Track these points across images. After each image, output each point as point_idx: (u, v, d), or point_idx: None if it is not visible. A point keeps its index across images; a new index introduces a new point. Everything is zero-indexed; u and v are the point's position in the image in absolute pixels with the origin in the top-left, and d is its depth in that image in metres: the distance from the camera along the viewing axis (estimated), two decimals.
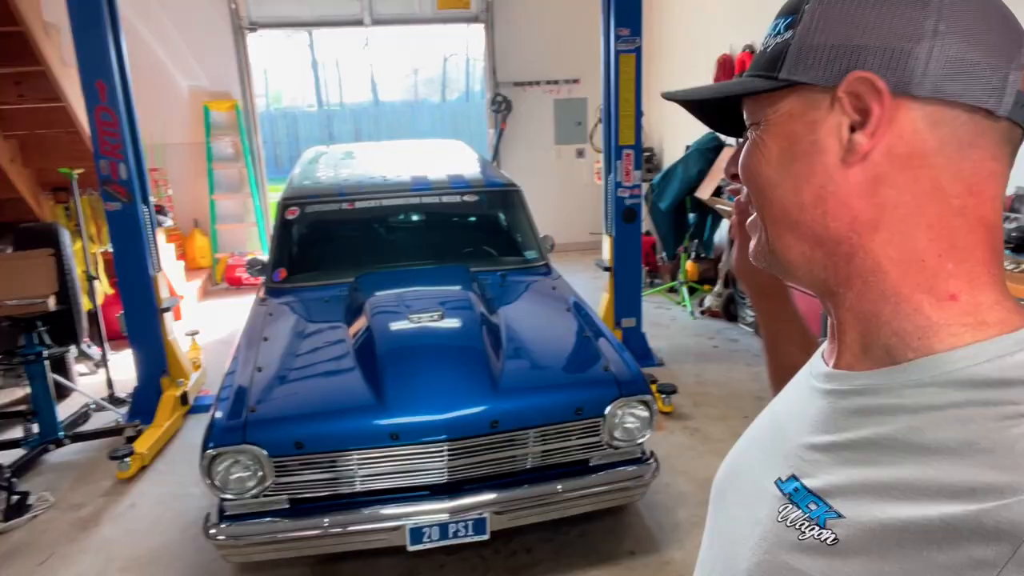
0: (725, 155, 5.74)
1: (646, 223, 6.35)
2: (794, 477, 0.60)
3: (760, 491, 0.63)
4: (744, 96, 0.64)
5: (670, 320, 5.92)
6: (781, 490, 0.60)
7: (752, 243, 0.67)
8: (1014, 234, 3.45)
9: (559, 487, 2.75)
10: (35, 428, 3.86)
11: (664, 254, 6.62)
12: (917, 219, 0.56)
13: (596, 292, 5.33)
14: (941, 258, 0.56)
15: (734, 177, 0.69)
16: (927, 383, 0.53)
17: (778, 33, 0.61)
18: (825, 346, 0.69)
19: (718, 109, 0.70)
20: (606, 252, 4.96)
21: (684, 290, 6.20)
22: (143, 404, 4.29)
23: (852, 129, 0.56)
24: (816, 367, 0.67)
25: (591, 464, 2.83)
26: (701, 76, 6.57)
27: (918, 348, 0.56)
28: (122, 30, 4.11)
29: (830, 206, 0.58)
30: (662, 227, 6.26)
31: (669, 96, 0.70)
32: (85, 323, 4.65)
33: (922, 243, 0.56)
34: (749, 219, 0.69)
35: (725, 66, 6.16)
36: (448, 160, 4.69)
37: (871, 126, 0.55)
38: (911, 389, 0.54)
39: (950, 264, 0.56)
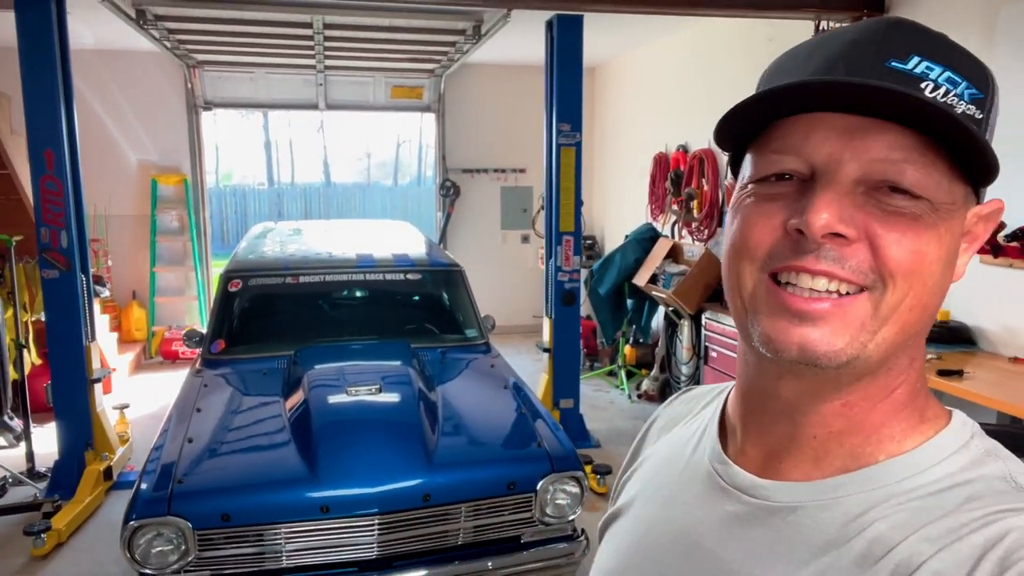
0: (661, 246, 6.01)
1: (587, 308, 6.54)
2: None
3: None
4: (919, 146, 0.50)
5: (608, 403, 6.02)
6: None
7: (806, 330, 0.52)
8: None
9: (490, 564, 2.75)
10: None
11: (604, 338, 6.78)
12: (929, 326, 0.56)
13: (537, 374, 5.42)
14: (923, 359, 0.58)
15: (835, 238, 0.51)
16: (895, 486, 0.53)
17: (962, 97, 0.50)
18: (712, 447, 0.64)
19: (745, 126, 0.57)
20: (546, 334, 5.08)
21: (622, 374, 6.35)
22: (64, 478, 4.13)
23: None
24: (734, 476, 0.60)
25: (522, 541, 2.84)
26: (639, 171, 6.94)
27: (891, 450, 0.55)
28: (75, 102, 4.18)
29: (932, 319, 0.56)
30: (601, 312, 6.45)
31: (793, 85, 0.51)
32: (10, 393, 4.50)
33: (922, 351, 0.57)
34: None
35: (661, 163, 6.53)
36: (394, 239, 4.81)
37: (974, 249, 0.55)
38: (880, 494, 0.53)
39: (920, 365, 0.58)
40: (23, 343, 4.78)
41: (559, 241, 4.85)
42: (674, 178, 6.12)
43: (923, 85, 0.49)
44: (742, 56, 5.38)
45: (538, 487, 2.78)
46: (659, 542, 0.63)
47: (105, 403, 4.50)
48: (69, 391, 4.21)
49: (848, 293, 0.52)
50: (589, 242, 7.98)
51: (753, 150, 0.57)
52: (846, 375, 0.54)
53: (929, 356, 3.38)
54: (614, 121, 7.95)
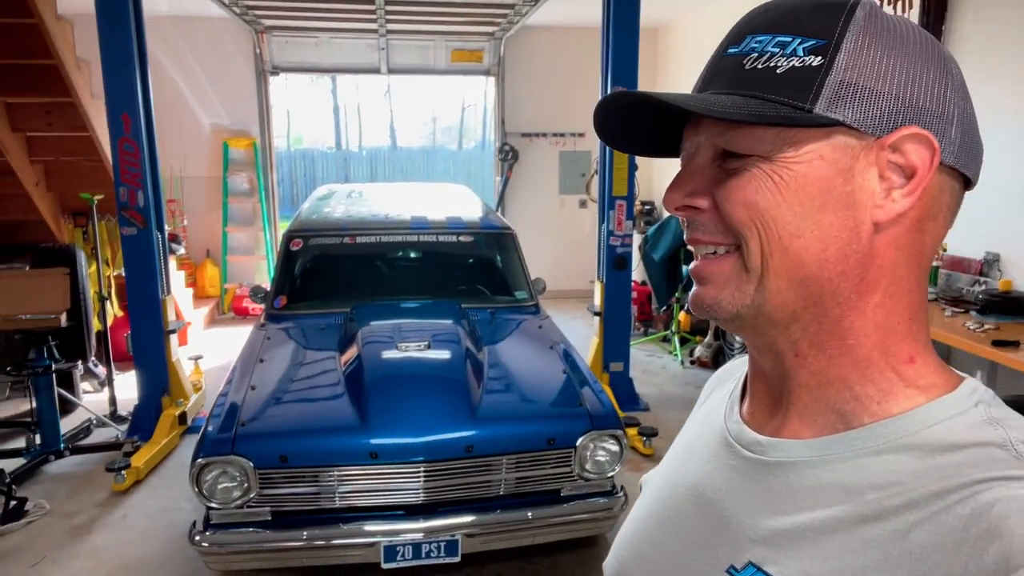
0: None
1: (642, 273, 6.54)
2: (753, 565, 0.55)
3: None
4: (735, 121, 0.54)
5: (660, 368, 6.05)
6: None
7: (700, 290, 0.60)
8: (981, 296, 3.60)
9: (530, 514, 2.87)
10: (37, 439, 4.02)
11: (657, 304, 6.78)
12: (905, 282, 0.56)
13: (590, 338, 5.48)
14: (910, 321, 0.56)
15: (689, 210, 0.59)
16: (884, 450, 0.53)
17: (793, 53, 0.53)
18: (731, 408, 0.67)
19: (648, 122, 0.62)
20: (597, 298, 5.13)
21: (676, 340, 6.35)
22: (143, 421, 4.45)
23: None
24: (740, 433, 0.63)
25: (562, 494, 2.95)
26: None
27: (875, 412, 0.55)
28: (149, 67, 4.40)
29: (850, 265, 0.54)
30: (655, 278, 6.44)
31: (612, 98, 0.59)
32: (94, 342, 4.85)
33: (901, 306, 0.56)
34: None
35: None
36: (450, 202, 4.92)
37: (914, 185, 0.53)
38: (869, 459, 0.53)
39: (914, 326, 0.57)
40: (105, 295, 5.12)
41: (611, 206, 4.86)
42: None
43: (745, 60, 0.55)
44: None
45: (578, 443, 2.87)
46: (676, 492, 0.67)
47: (180, 354, 4.80)
48: (147, 341, 4.51)
49: (724, 253, 0.57)
50: (648, 207, 7.93)
51: None
52: (761, 325, 0.57)
53: (986, 326, 3.29)
54: (679, 83, 7.81)
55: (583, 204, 8.40)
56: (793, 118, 0.52)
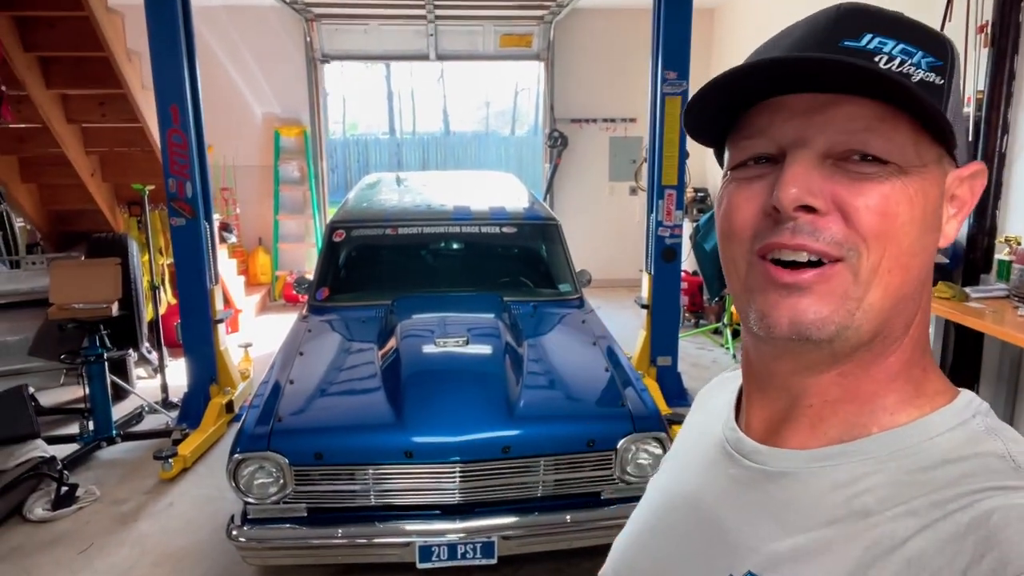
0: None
1: (693, 263, 6.35)
2: (752, 574, 0.55)
3: None
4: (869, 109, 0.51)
5: (711, 362, 5.87)
6: None
7: (802, 302, 0.53)
8: None
9: (568, 517, 2.78)
10: (90, 425, 4.12)
11: (709, 296, 6.58)
12: (929, 299, 0.59)
13: (638, 329, 5.35)
14: (927, 334, 0.59)
15: (806, 211, 0.52)
16: (887, 459, 0.53)
17: (918, 65, 0.52)
18: (729, 417, 0.66)
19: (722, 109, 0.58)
20: (645, 290, 4.99)
21: (728, 332, 6.15)
22: (192, 409, 4.52)
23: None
24: (740, 442, 0.62)
25: (603, 497, 2.86)
26: None
27: (885, 423, 0.55)
28: (199, 57, 4.43)
29: (926, 285, 0.57)
30: (706, 268, 6.25)
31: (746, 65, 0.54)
32: (146, 329, 4.95)
33: (926, 320, 0.58)
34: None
35: None
36: (494, 192, 4.83)
37: (964, 214, 0.57)
38: (871, 468, 0.53)
39: (925, 338, 0.59)
40: (157, 284, 5.22)
41: (661, 195, 4.71)
42: None
43: (877, 59, 0.51)
44: None
45: (619, 446, 2.77)
46: (673, 503, 0.67)
47: (230, 342, 4.86)
48: (195, 330, 4.58)
49: (827, 263, 0.53)
50: (701, 195, 7.68)
51: (729, 141, 0.60)
52: (840, 349, 0.54)
53: None
54: (727, 65, 7.52)
55: (633, 192, 8.21)
56: (948, 132, 0.51)
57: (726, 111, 0.58)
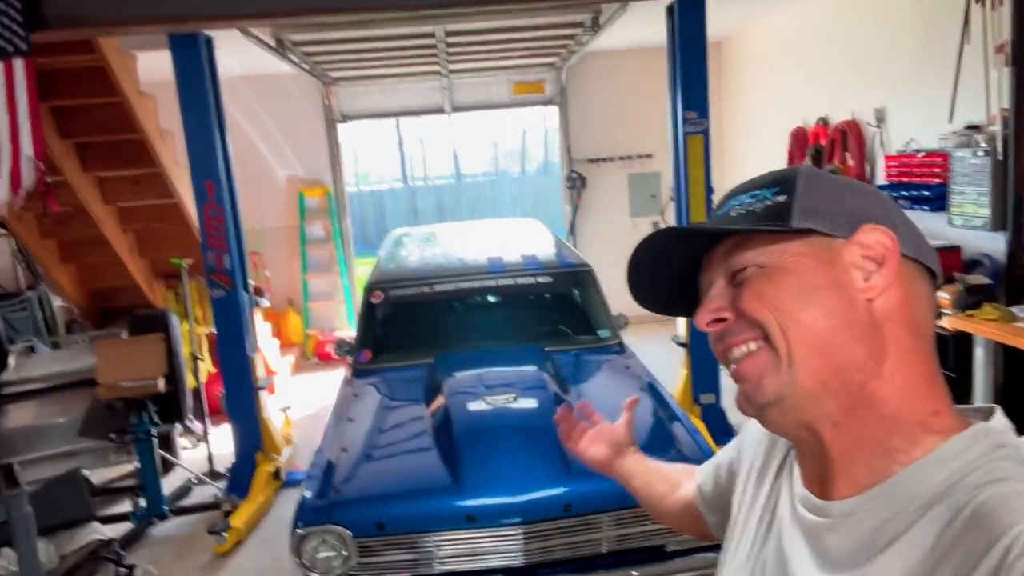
0: None
1: None
2: None
3: None
4: (727, 241, 0.73)
5: None
6: None
7: (743, 386, 0.72)
8: None
9: (635, 573, 2.74)
10: (142, 502, 4.14)
11: None
12: (914, 353, 0.68)
13: (672, 364, 5.32)
14: (931, 383, 0.68)
15: (717, 323, 0.72)
16: (914, 485, 0.63)
17: (765, 199, 0.72)
18: (794, 476, 0.77)
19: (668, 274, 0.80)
20: (682, 328, 4.97)
21: None
22: (239, 479, 4.54)
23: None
24: (806, 499, 0.73)
25: (667, 549, 2.82)
26: (772, 151, 6.60)
27: (903, 460, 0.65)
28: (228, 134, 4.55)
29: (857, 333, 0.66)
30: None
31: (660, 234, 0.75)
32: (190, 400, 5.00)
33: (916, 372, 0.67)
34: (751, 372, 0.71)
35: (798, 139, 6.18)
36: (523, 241, 4.87)
37: (887, 268, 0.67)
38: (902, 496, 0.64)
39: (935, 387, 0.68)
40: (198, 355, 5.28)
41: None
42: (814, 154, 5.77)
43: (731, 212, 0.74)
44: (885, 17, 4.97)
45: None
46: (762, 554, 0.78)
47: (270, 406, 4.90)
48: (239, 399, 4.62)
49: (756, 349, 0.69)
50: None
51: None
52: (805, 397, 0.67)
53: None
54: (745, 96, 7.60)
55: (655, 226, 8.23)
56: (778, 228, 0.69)
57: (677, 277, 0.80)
